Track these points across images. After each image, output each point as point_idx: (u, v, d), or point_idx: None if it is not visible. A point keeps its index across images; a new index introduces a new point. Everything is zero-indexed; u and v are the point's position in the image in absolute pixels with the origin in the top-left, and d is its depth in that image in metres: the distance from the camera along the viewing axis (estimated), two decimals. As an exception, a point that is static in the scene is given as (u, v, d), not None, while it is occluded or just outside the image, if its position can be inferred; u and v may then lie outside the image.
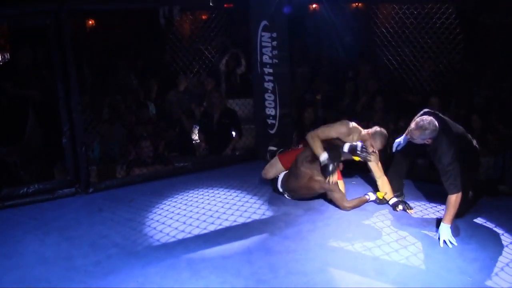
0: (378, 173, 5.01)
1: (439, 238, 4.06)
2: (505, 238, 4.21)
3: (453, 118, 4.82)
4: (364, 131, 5.04)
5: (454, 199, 4.02)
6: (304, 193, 5.03)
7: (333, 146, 4.85)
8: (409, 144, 4.59)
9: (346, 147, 4.74)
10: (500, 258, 3.83)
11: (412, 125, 4.21)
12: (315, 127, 6.81)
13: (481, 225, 4.48)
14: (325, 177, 4.76)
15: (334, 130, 4.97)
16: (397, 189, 5.00)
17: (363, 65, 7.82)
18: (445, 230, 4.03)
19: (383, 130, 5.03)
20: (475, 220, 4.58)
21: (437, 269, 3.69)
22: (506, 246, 4.05)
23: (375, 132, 4.97)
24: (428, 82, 6.68)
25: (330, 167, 4.72)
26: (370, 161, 4.81)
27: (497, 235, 4.26)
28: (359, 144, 4.70)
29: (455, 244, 3.97)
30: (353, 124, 5.05)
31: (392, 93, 7.08)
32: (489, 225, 4.47)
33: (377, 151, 4.98)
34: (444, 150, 4.08)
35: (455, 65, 6.52)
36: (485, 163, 5.58)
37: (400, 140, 4.76)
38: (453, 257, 3.87)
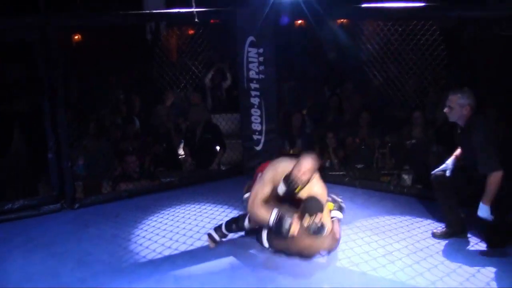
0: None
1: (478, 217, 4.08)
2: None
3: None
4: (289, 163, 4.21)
5: (493, 178, 3.92)
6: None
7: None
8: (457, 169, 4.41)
9: (281, 190, 4.07)
10: (486, 273, 3.87)
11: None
12: (303, 133, 6.90)
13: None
14: (283, 236, 3.96)
15: (264, 186, 4.15)
16: (454, 224, 4.49)
17: (348, 81, 7.90)
18: (483, 210, 4.01)
19: (305, 154, 4.22)
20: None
21: (425, 284, 3.72)
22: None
23: (299, 159, 4.14)
24: (413, 98, 6.78)
25: (284, 223, 3.92)
26: (301, 185, 4.05)
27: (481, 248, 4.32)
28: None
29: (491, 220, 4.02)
30: (278, 164, 4.26)
31: (378, 108, 7.15)
32: (474, 239, 4.51)
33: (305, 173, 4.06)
34: (480, 128, 4.04)
35: (439, 81, 6.63)
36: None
37: (448, 163, 4.48)
38: (442, 271, 3.90)
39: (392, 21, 6.16)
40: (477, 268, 3.95)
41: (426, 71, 6.62)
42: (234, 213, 5.26)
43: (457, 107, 4.10)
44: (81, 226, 5.02)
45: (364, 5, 5.83)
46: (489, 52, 6.54)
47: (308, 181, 4.06)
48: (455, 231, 4.46)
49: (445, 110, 4.22)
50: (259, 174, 4.36)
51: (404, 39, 6.20)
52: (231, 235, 4.50)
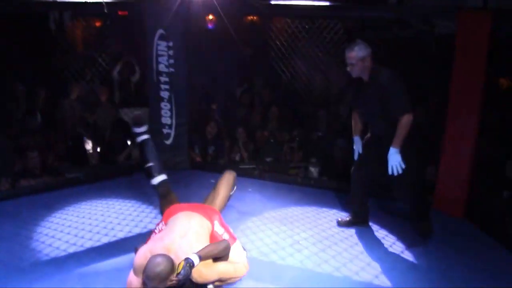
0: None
1: (388, 164, 4.04)
2: (389, 238, 4.52)
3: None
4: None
5: (405, 120, 3.93)
6: None
7: None
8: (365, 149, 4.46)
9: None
10: (385, 258, 4.11)
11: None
12: (218, 140, 6.89)
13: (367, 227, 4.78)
14: None
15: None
16: (358, 214, 4.70)
17: (258, 77, 8.01)
18: (394, 155, 4.00)
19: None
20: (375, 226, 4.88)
21: (330, 271, 3.88)
22: (390, 246, 4.35)
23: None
24: (319, 94, 7.01)
25: None
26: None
27: (382, 236, 4.58)
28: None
29: (403, 167, 3.97)
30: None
31: (286, 103, 7.33)
32: (375, 227, 4.78)
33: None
34: (387, 73, 4.04)
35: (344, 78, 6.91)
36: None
37: (357, 146, 4.58)
38: (345, 258, 4.09)
39: (298, 19, 6.32)
40: (376, 254, 4.19)
41: (331, 68, 6.87)
42: (142, 208, 5.17)
43: (359, 62, 4.03)
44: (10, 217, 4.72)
45: (272, 2, 5.95)
46: (390, 51, 6.90)
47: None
48: (358, 220, 4.69)
49: (348, 68, 4.14)
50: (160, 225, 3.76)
51: (311, 36, 6.40)
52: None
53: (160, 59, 6.31)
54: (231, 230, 3.82)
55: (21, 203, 5.28)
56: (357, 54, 4.00)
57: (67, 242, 4.33)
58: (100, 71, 7.34)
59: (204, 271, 3.26)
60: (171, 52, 6.26)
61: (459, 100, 4.96)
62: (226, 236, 3.65)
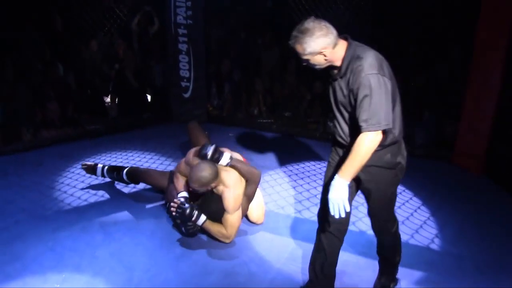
0: None
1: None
2: (406, 194, 4.53)
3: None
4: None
5: (366, 140, 2.38)
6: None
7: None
8: None
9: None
10: (401, 213, 4.12)
11: None
12: (231, 79, 6.84)
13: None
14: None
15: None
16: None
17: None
18: (337, 188, 2.43)
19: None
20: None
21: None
22: (407, 201, 4.36)
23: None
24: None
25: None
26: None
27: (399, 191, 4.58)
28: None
29: (347, 210, 2.46)
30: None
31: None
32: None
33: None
34: (368, 70, 2.38)
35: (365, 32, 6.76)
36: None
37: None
38: (362, 213, 4.11)
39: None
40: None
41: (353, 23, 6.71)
42: (162, 160, 5.23)
43: (313, 56, 2.49)
44: (0, 175, 4.80)
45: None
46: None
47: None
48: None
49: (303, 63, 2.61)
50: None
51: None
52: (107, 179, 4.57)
53: (178, 10, 6.23)
54: None
55: (43, 153, 5.39)
56: (306, 49, 2.45)
57: (87, 192, 4.42)
58: (118, 22, 7.25)
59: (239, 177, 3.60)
60: (189, 3, 6.17)
61: (482, 54, 4.83)
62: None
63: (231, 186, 3.50)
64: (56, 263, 3.26)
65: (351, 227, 3.82)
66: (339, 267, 3.08)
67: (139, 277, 3.13)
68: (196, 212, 3.44)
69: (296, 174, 4.95)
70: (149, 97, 7.02)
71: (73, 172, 4.87)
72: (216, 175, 3.43)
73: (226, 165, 3.59)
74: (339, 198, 2.43)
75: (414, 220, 4.01)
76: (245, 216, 3.80)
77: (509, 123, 4.87)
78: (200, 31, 6.34)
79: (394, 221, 2.94)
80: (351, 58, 2.45)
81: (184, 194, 3.63)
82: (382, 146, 2.50)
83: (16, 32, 6.56)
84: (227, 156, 3.61)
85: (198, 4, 6.21)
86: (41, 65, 6.78)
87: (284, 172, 5.01)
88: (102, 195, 4.38)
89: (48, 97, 6.00)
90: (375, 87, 2.35)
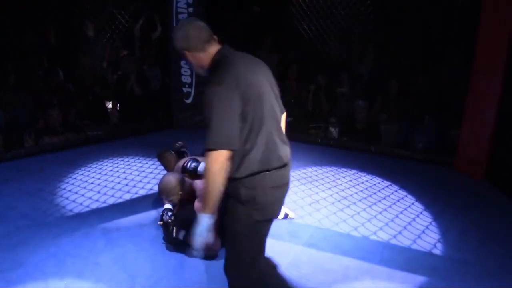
0: None
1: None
2: (408, 199, 4.53)
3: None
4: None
5: (209, 161, 2.16)
6: None
7: None
8: None
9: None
10: (403, 218, 4.12)
11: None
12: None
13: (386, 187, 4.78)
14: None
15: None
16: None
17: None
18: (199, 223, 2.27)
19: None
20: (381, 182, 4.88)
21: (348, 230, 3.91)
22: (409, 206, 4.36)
23: None
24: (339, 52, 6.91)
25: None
26: None
27: (401, 196, 4.58)
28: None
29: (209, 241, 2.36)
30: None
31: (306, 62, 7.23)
32: (394, 187, 4.78)
33: None
34: (214, 81, 2.21)
35: (365, 36, 6.78)
36: (389, 130, 5.94)
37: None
38: (364, 218, 4.11)
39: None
40: (395, 214, 4.20)
41: (353, 26, 6.73)
42: (163, 167, 5.23)
43: (187, 55, 2.39)
44: (2, 181, 4.81)
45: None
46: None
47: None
48: None
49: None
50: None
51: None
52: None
53: (179, 16, 6.25)
54: None
55: (44, 159, 5.40)
56: (177, 44, 2.37)
57: (89, 198, 4.42)
58: (120, 28, 7.27)
59: None
60: (190, 9, 6.19)
61: (484, 59, 4.83)
62: None
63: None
64: (58, 269, 3.26)
65: (353, 232, 3.84)
66: (340, 271, 3.08)
67: (141, 284, 3.12)
68: (174, 229, 3.48)
69: (298, 180, 4.94)
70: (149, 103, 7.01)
71: (75, 178, 4.88)
72: (179, 185, 3.63)
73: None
74: (198, 235, 2.27)
75: (417, 225, 4.00)
76: None
77: (511, 128, 4.87)
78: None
79: (240, 277, 2.45)
80: (212, 68, 2.32)
81: (167, 206, 3.65)
82: (237, 178, 2.24)
83: (18, 39, 6.59)
84: (202, 165, 3.57)
85: (200, 10, 6.23)
86: (42, 72, 6.81)
87: (286, 177, 5.00)
88: (104, 201, 4.38)
89: (50, 104, 6.02)
90: (217, 103, 2.14)
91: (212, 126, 2.13)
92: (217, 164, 2.13)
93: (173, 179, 3.65)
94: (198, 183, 3.56)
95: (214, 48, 2.34)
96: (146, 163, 5.33)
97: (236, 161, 2.22)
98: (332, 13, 6.60)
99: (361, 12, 6.38)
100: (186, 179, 3.66)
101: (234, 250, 2.41)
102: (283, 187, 2.39)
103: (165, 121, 6.83)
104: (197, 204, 3.52)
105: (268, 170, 2.26)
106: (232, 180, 2.24)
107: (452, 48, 6.22)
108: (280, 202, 2.43)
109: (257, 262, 2.45)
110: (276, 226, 3.92)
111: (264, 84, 2.30)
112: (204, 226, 2.25)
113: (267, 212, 2.33)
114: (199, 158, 3.75)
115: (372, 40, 6.85)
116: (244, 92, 2.17)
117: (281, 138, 2.34)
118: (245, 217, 2.30)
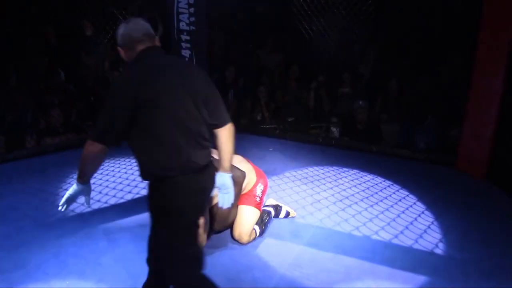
0: None
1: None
2: (410, 198, 4.53)
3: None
4: None
5: (86, 146, 2.28)
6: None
7: None
8: None
9: None
10: (405, 217, 4.12)
11: None
12: (236, 86, 6.86)
13: (388, 186, 4.78)
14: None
15: None
16: None
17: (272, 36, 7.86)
18: (70, 189, 2.54)
19: None
20: (382, 182, 4.89)
21: (349, 229, 3.91)
22: (411, 206, 4.36)
23: None
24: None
25: None
26: None
27: (402, 196, 4.58)
28: None
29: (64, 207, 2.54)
30: None
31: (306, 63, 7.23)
32: (396, 187, 4.78)
33: None
34: (123, 72, 2.57)
35: (366, 36, 6.78)
36: (390, 130, 5.95)
37: None
38: (366, 218, 4.11)
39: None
40: (396, 214, 4.20)
41: (354, 26, 6.73)
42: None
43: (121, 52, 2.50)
44: (4, 181, 4.82)
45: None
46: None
47: None
48: None
49: None
50: None
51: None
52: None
53: (180, 16, 6.23)
54: (262, 204, 3.81)
55: (46, 160, 5.41)
56: (119, 39, 2.48)
57: (91, 198, 4.37)
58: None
59: None
60: (192, 10, 6.18)
61: (485, 59, 4.83)
62: (257, 200, 3.71)
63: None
64: (60, 270, 3.27)
65: (354, 232, 3.84)
66: (342, 271, 3.08)
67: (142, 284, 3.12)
68: None
69: (299, 180, 4.95)
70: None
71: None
72: None
73: None
74: (65, 194, 2.53)
75: (418, 225, 4.00)
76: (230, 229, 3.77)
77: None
78: (203, 37, 6.34)
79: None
80: (127, 65, 2.43)
81: None
82: (148, 181, 2.45)
83: (18, 39, 6.60)
84: None
85: (201, 10, 6.22)
86: (43, 72, 6.82)
87: (287, 177, 5.01)
88: (106, 201, 4.39)
89: (51, 104, 6.03)
90: (109, 97, 2.26)
91: (98, 118, 2.25)
92: (88, 151, 2.27)
93: None
94: None
95: (142, 48, 2.40)
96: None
97: (140, 164, 2.37)
98: (333, 13, 6.60)
99: (362, 12, 6.37)
100: None
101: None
102: (199, 191, 2.42)
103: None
104: None
105: (173, 176, 2.31)
106: (147, 184, 2.41)
107: (453, 47, 6.21)
108: (197, 207, 2.45)
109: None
110: (278, 225, 3.94)
111: (174, 92, 2.29)
112: (72, 191, 2.50)
113: (180, 217, 2.38)
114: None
115: (373, 40, 6.85)
116: (139, 95, 2.20)
117: (191, 144, 2.33)
118: (162, 219, 2.43)
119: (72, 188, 2.50)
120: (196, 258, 2.48)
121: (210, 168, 2.46)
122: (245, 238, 3.63)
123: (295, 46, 7.50)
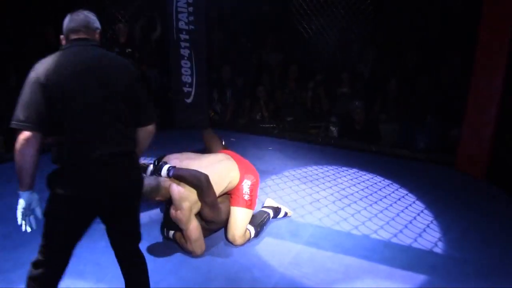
0: None
1: None
2: (409, 198, 4.53)
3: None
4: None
5: (17, 140, 2.41)
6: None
7: None
8: None
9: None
10: (404, 217, 4.12)
11: None
12: (233, 85, 6.87)
13: (387, 186, 4.78)
14: None
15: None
16: None
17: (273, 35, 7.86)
18: (19, 204, 2.54)
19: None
20: (381, 181, 4.89)
21: (348, 229, 3.91)
22: (410, 205, 4.36)
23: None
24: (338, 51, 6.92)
25: None
26: None
27: (401, 195, 4.58)
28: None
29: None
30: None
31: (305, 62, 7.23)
32: (395, 186, 4.79)
33: None
34: (39, 62, 2.42)
35: (365, 35, 6.78)
36: (389, 130, 5.95)
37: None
38: (365, 217, 4.11)
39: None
40: (395, 213, 4.21)
41: (353, 25, 6.74)
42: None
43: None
44: (4, 181, 4.82)
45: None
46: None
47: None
48: None
49: None
50: None
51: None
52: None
53: (179, 16, 6.23)
54: (254, 200, 3.80)
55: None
56: None
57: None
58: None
59: (183, 191, 3.40)
60: (190, 9, 6.18)
61: (484, 59, 4.83)
62: (246, 198, 3.69)
63: (176, 200, 3.41)
64: (60, 269, 3.26)
65: (353, 231, 3.85)
66: (341, 270, 3.07)
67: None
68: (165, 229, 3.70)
69: (298, 179, 4.95)
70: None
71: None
72: (154, 189, 3.46)
73: (170, 177, 3.47)
74: (18, 211, 2.52)
75: (417, 224, 4.01)
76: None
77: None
78: (202, 36, 6.35)
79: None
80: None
81: None
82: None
83: (18, 40, 6.60)
84: (165, 168, 3.50)
85: (200, 9, 6.22)
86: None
87: (287, 176, 5.01)
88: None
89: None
90: (26, 84, 2.30)
91: (16, 107, 2.31)
92: (19, 143, 2.35)
93: (147, 185, 3.42)
94: (174, 189, 3.44)
95: (73, 38, 2.43)
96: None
97: (53, 152, 2.46)
98: (332, 12, 6.60)
99: (361, 12, 6.37)
100: (162, 184, 3.51)
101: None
102: (99, 183, 2.43)
103: (165, 121, 6.81)
104: (172, 211, 3.45)
105: (80, 167, 2.40)
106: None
107: (453, 47, 6.21)
108: (97, 200, 2.50)
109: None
110: (277, 225, 3.94)
111: (84, 86, 2.29)
112: (22, 204, 2.46)
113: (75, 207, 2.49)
114: (173, 161, 3.68)
115: (372, 40, 6.85)
116: (47, 86, 2.25)
117: (102, 138, 2.36)
118: (51, 205, 2.55)
119: (19, 203, 2.45)
120: None
121: (117, 164, 2.46)
122: (238, 240, 3.63)
123: (294, 46, 7.50)
